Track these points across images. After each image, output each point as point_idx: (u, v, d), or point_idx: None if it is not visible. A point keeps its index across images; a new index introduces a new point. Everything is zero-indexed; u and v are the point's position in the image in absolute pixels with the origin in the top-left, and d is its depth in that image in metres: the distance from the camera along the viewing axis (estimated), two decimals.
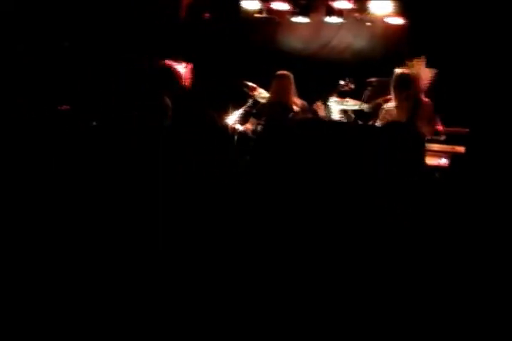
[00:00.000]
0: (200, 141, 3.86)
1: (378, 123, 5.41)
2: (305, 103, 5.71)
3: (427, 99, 5.31)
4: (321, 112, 5.68)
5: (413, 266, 3.38)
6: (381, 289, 3.17)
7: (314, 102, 5.77)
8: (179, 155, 3.77)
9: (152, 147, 3.87)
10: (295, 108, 5.43)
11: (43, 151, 4.11)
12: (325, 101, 5.91)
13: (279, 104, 5.46)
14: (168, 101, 4.31)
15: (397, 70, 5.36)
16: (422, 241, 3.55)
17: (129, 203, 3.64)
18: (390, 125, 4.73)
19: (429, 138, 5.22)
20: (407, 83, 5.26)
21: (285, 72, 5.76)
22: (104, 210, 3.64)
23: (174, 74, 5.04)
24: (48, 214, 3.66)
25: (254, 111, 5.79)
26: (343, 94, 5.86)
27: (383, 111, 5.48)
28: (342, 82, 5.79)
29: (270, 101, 5.77)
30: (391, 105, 5.44)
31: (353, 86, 5.79)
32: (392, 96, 5.43)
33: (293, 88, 5.70)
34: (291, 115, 5.22)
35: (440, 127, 5.42)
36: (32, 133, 4.22)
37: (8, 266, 3.27)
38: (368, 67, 6.32)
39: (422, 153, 4.21)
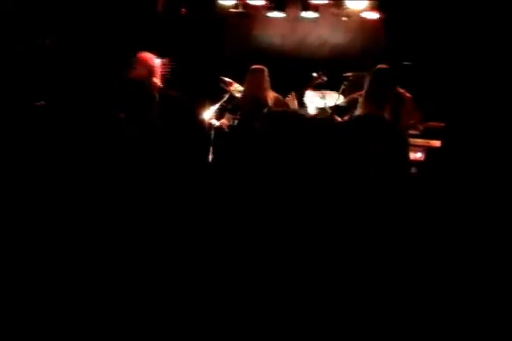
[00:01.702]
0: (180, 135, 3.84)
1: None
2: (279, 96, 5.69)
3: (408, 95, 5.26)
4: (293, 105, 5.65)
5: (393, 260, 3.38)
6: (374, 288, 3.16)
7: (290, 93, 5.74)
8: (161, 149, 3.75)
9: (137, 141, 3.85)
10: (269, 102, 5.40)
11: (27, 148, 4.09)
12: (301, 97, 5.88)
13: (253, 98, 5.43)
14: (154, 94, 4.30)
15: (378, 66, 5.28)
16: (396, 234, 3.55)
17: (111, 196, 3.62)
18: (368, 117, 4.72)
19: (416, 133, 5.21)
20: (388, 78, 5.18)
21: (259, 66, 5.74)
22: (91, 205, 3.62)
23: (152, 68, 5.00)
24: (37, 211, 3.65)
25: (230, 107, 5.76)
26: (317, 88, 5.85)
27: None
28: (315, 75, 5.77)
29: (244, 96, 5.74)
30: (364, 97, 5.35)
31: (325, 78, 5.77)
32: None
33: (267, 82, 5.67)
34: (265, 109, 5.19)
35: (420, 126, 5.36)
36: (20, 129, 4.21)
37: (9, 266, 3.24)
38: (345, 61, 6.32)
39: (406, 146, 4.19)
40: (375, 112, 4.95)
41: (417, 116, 5.30)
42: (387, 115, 4.86)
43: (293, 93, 5.74)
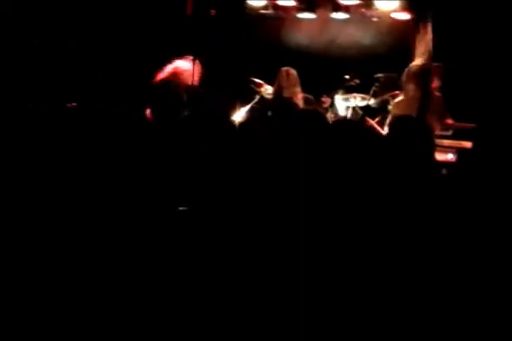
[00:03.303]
0: (210, 135, 3.85)
1: (388, 118, 5.36)
2: (310, 97, 5.71)
3: (437, 93, 5.27)
4: (326, 105, 5.67)
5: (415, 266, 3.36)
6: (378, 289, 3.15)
7: (322, 95, 5.76)
8: (188, 149, 3.76)
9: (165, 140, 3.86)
10: (299, 103, 5.42)
11: (53, 149, 4.11)
12: (331, 98, 5.90)
13: (282, 100, 5.45)
14: (183, 95, 4.33)
15: (411, 63, 5.31)
16: (426, 240, 3.52)
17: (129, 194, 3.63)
18: (398, 119, 4.71)
19: (438, 132, 5.19)
20: (419, 76, 5.21)
21: (288, 67, 5.76)
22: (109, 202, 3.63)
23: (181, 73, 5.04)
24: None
25: (261, 108, 5.79)
26: (349, 90, 5.86)
27: (393, 106, 5.44)
28: (347, 77, 5.79)
29: (274, 97, 5.77)
30: (400, 99, 5.39)
31: (358, 81, 5.78)
32: (404, 89, 5.36)
33: (297, 83, 5.69)
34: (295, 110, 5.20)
35: (450, 121, 5.39)
36: (41, 130, 4.23)
37: (8, 266, 3.25)
38: (375, 62, 6.31)
39: (432, 148, 4.17)
40: (407, 114, 4.96)
41: (445, 116, 5.30)
42: (417, 114, 4.87)
43: (326, 96, 5.77)
